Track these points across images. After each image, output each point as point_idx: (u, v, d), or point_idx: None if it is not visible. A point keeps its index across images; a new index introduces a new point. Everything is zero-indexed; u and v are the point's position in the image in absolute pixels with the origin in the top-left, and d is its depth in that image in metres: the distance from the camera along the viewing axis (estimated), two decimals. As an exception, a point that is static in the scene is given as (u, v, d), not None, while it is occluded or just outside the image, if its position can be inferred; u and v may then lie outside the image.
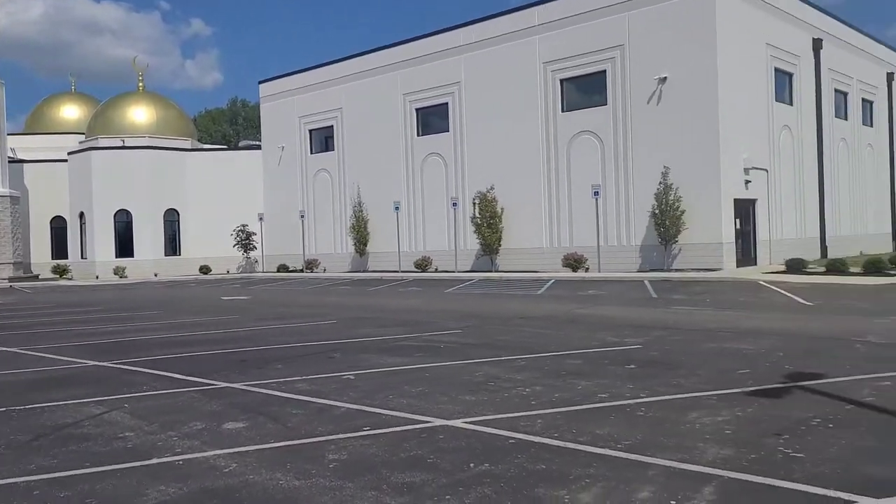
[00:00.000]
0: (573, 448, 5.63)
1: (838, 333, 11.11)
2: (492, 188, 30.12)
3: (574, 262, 27.08)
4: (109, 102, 45.47)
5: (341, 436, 6.22)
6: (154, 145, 41.12)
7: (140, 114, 43.18)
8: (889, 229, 37.63)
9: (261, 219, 39.89)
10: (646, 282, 22.17)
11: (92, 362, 10.73)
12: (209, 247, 40.62)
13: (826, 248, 30.40)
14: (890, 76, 38.20)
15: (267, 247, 40.47)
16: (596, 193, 26.94)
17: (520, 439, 5.93)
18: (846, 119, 34.00)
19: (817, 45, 30.79)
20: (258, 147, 43.45)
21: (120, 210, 39.99)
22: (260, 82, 42.66)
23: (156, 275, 39.14)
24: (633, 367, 8.91)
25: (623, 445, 5.65)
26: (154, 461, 5.69)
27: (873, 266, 21.38)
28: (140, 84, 45.44)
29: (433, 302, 19.69)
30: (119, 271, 38.73)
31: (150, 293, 28.97)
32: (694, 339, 11.12)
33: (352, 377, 8.85)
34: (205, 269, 40.16)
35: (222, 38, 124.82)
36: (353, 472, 5.24)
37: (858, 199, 34.81)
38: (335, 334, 13.14)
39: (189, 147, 43.24)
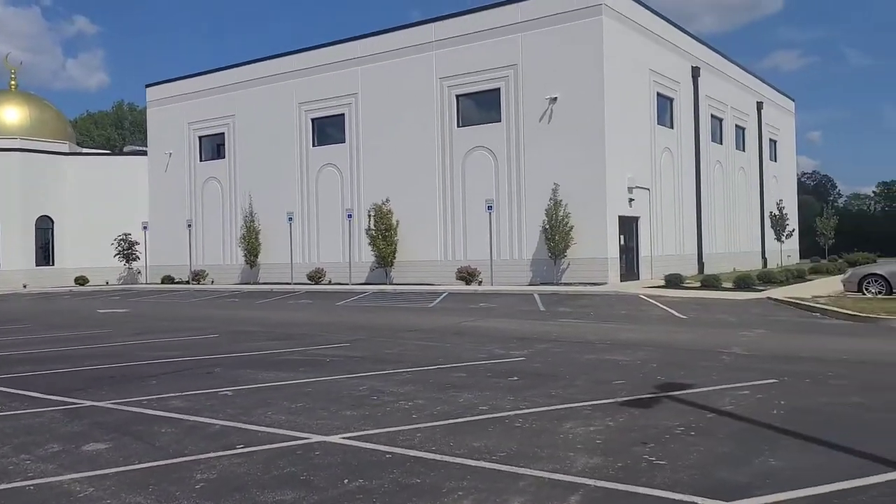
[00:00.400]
0: (449, 461, 5.65)
1: (708, 345, 11.74)
2: (387, 200, 30.09)
3: (468, 275, 27.42)
4: (-23, 101, 42.22)
5: (212, 454, 5.98)
6: (26, 147, 38.45)
7: (11, 114, 40.29)
8: (759, 247, 40.31)
9: (145, 228, 38.13)
10: (535, 295, 22.71)
11: (-59, 380, 9.86)
12: (87, 256, 38.39)
13: (703, 264, 32.20)
14: (759, 105, 41.08)
15: (151, 257, 38.69)
16: (489, 208, 27.42)
17: (397, 454, 5.89)
18: (721, 143, 36.23)
19: (696, 72, 32.71)
20: (144, 153, 41.57)
21: (-15, 216, 37.13)
22: (147, 86, 40.89)
23: (24, 286, 36.55)
24: (515, 378, 9.07)
25: (498, 457, 5.73)
26: (2, 486, 5.28)
27: (743, 281, 22.82)
28: (12, 82, 42.50)
29: (323, 315, 19.38)
30: (-17, 282, 35.94)
31: (17, 305, 27.05)
32: (575, 350, 11.46)
33: (230, 393, 8.55)
34: (81, 281, 37.88)
35: (109, 38, 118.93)
36: (220, 493, 5.04)
37: (732, 219, 37.12)
38: (217, 349, 12.67)
39: (66, 151, 40.77)
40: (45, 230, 38.65)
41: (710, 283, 23.27)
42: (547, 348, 11.78)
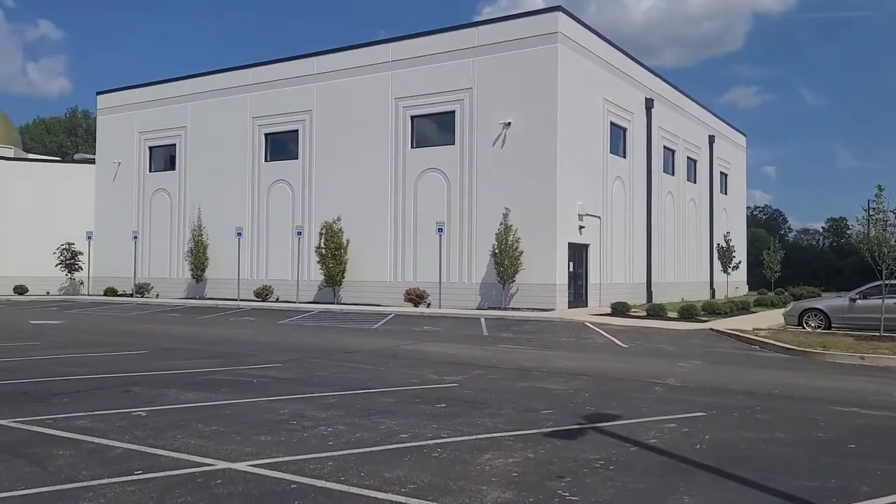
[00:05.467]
0: (356, 493, 5.41)
1: (643, 376, 11.69)
2: (338, 219, 29.79)
3: (416, 297, 27.18)
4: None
5: (106, 480, 5.63)
6: (-33, 151, 37.20)
7: (-49, 116, 39.07)
8: (708, 278, 40.95)
9: (89, 238, 37.03)
10: (482, 319, 22.57)
11: None
12: (27, 265, 37.05)
13: (651, 293, 32.50)
14: (711, 139, 41.98)
15: (95, 268, 37.58)
16: (440, 230, 27.31)
17: (303, 483, 5.63)
18: (673, 174, 36.83)
19: (649, 104, 33.27)
20: (93, 161, 40.53)
21: (-81, 220, 35.67)
22: (98, 93, 40.00)
23: (-41, 294, 35.15)
24: (443, 405, 8.85)
25: (408, 489, 5.50)
26: None
27: (687, 312, 23.02)
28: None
29: (263, 333, 18.92)
30: (-86, 288, 34.43)
31: (-53, 314, 25.88)
32: (509, 377, 11.29)
33: (143, 414, 8.16)
34: (20, 290, 36.57)
35: (73, 44, 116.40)
36: (102, 524, 4.71)
37: (682, 249, 37.65)
38: (142, 366, 12.19)
39: (11, 156, 39.53)
40: (-18, 236, 37.29)
41: (655, 312, 23.43)
42: (482, 374, 11.60)
